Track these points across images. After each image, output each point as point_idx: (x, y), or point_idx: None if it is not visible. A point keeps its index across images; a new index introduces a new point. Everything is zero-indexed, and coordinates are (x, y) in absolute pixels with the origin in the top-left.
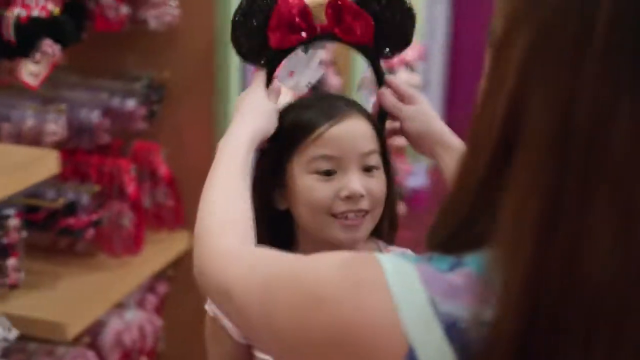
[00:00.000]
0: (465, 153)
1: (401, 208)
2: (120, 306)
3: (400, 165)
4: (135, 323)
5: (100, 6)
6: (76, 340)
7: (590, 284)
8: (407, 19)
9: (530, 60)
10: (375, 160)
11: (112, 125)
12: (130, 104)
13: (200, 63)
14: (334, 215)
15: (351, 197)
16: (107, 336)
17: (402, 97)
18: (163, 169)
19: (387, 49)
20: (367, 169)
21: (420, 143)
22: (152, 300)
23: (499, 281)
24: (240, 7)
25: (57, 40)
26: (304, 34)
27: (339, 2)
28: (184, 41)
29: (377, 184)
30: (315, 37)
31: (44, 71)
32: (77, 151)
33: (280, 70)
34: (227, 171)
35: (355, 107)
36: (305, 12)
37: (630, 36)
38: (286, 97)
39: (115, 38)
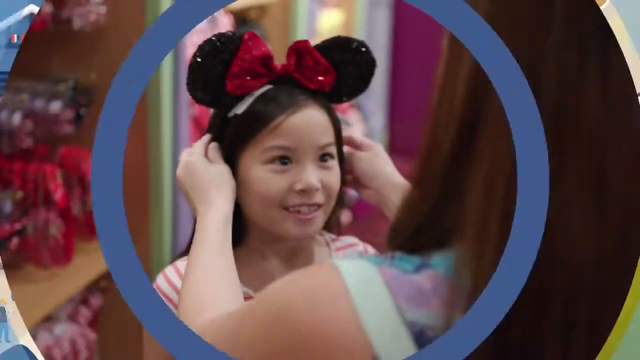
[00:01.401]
0: (425, 143)
1: (346, 216)
2: (49, 320)
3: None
4: (66, 337)
5: None
6: None
7: (565, 267)
8: (369, 69)
9: None
10: (331, 152)
11: (36, 129)
12: (55, 106)
13: None
14: (286, 209)
15: (306, 191)
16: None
17: (356, 147)
18: None
19: (344, 98)
20: (323, 160)
21: (367, 183)
22: (85, 313)
23: (468, 276)
24: (200, 51)
25: None
26: (264, 80)
27: (303, 48)
28: (112, 41)
29: (332, 176)
30: (275, 79)
31: None
32: None
33: None
34: (209, 250)
35: (313, 97)
36: (267, 59)
37: None
38: None
39: (37, 37)
